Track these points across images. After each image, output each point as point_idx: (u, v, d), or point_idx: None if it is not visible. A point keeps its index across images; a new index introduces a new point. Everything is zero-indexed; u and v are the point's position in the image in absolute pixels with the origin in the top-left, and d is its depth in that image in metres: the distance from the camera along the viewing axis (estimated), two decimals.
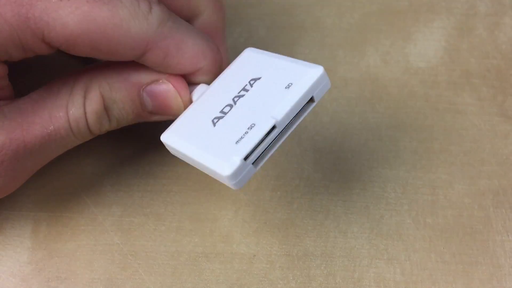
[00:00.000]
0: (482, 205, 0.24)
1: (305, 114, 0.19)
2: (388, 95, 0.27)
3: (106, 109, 0.21)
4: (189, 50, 0.20)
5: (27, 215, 0.25)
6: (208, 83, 0.21)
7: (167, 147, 0.20)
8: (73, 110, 0.20)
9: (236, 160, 0.17)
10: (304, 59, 0.19)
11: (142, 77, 0.21)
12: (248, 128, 0.18)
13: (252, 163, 0.18)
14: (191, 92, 0.21)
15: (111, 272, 0.23)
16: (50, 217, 0.24)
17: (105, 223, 0.24)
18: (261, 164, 0.18)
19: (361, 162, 0.25)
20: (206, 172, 0.18)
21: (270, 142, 0.18)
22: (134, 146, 0.26)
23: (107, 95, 0.21)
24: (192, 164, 0.19)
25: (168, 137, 0.20)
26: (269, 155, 0.18)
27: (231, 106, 0.19)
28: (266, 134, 0.17)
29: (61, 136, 0.21)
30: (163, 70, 0.21)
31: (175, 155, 0.20)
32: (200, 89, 0.21)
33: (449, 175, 0.25)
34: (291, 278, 0.23)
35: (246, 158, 0.17)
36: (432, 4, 0.31)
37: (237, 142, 0.17)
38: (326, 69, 0.19)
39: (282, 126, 0.18)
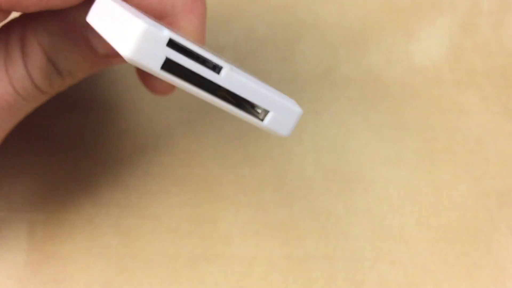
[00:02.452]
0: (486, 206, 0.24)
1: (240, 113, 0.15)
2: (390, 94, 0.27)
3: (51, 62, 0.18)
4: None
5: (23, 217, 0.24)
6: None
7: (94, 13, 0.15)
8: (12, 69, 0.17)
9: (148, 26, 0.13)
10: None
11: (82, 16, 0.17)
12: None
13: (166, 60, 0.13)
14: None
15: (108, 274, 0.23)
16: (46, 218, 0.24)
17: (102, 225, 0.24)
18: (169, 77, 0.14)
19: (363, 163, 0.25)
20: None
21: (197, 79, 0.14)
22: (132, 147, 0.26)
23: (48, 45, 0.18)
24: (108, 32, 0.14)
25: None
26: (184, 85, 0.14)
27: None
28: (205, 61, 0.14)
29: (8, 103, 0.18)
30: None
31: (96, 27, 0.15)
32: None
33: (453, 176, 0.25)
34: (291, 281, 0.22)
35: (170, 43, 0.13)
36: (436, 2, 0.30)
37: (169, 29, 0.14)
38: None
39: (225, 82, 0.14)
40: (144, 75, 0.21)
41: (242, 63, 0.28)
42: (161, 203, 0.25)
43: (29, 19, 0.18)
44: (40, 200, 0.25)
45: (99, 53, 0.18)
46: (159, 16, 0.17)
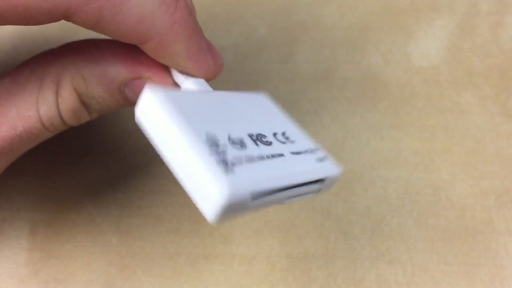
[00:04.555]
0: (485, 206, 0.24)
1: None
2: (389, 95, 0.27)
3: (83, 104, 0.19)
4: (132, 13, 0.16)
5: (25, 216, 0.24)
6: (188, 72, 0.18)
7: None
8: (44, 109, 0.18)
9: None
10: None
11: (122, 74, 0.18)
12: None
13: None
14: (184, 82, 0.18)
15: (110, 273, 0.23)
16: (48, 218, 0.24)
17: (103, 224, 0.24)
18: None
19: (362, 162, 0.25)
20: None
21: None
22: (133, 147, 0.26)
23: (83, 90, 0.18)
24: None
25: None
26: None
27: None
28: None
29: (33, 135, 0.19)
30: (105, 34, 0.17)
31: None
32: (198, 82, 0.18)
33: (451, 176, 0.25)
34: (291, 279, 0.23)
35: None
36: (434, 3, 0.30)
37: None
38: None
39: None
40: None
41: (242, 63, 0.28)
42: (162, 202, 0.25)
43: (67, 58, 0.19)
44: (41, 200, 0.25)
45: (130, 101, 0.19)
46: (142, 40, 0.17)
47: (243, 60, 0.28)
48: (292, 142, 0.16)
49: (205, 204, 0.12)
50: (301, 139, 0.16)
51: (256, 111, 0.17)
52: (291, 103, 0.27)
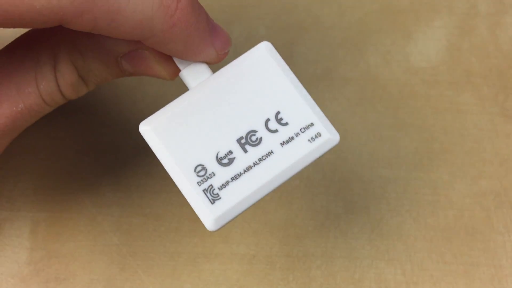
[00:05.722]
0: (483, 206, 0.24)
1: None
2: (388, 95, 0.27)
3: (81, 77, 0.19)
4: (128, 20, 0.16)
5: (26, 216, 0.24)
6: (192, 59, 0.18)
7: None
8: (43, 84, 0.18)
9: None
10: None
11: (118, 46, 0.18)
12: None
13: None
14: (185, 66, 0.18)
15: (110, 272, 0.23)
16: (49, 217, 0.24)
17: (104, 224, 0.24)
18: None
19: (362, 162, 0.25)
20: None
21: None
22: (133, 147, 0.26)
23: (80, 64, 0.18)
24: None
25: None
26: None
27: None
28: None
29: (34, 111, 0.19)
30: (100, 33, 0.17)
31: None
32: (198, 68, 0.18)
33: (450, 175, 0.25)
34: (291, 279, 0.23)
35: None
36: (433, 3, 0.30)
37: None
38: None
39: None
40: (163, 57, 0.20)
41: None
42: (162, 202, 0.25)
43: (62, 34, 0.19)
44: (42, 200, 0.25)
45: (127, 72, 0.19)
46: (139, 40, 0.17)
47: None
48: (286, 124, 0.17)
49: (201, 218, 0.16)
50: (297, 114, 0.17)
51: (251, 87, 0.17)
52: None
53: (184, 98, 0.17)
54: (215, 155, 0.16)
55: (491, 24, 0.30)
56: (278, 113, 0.17)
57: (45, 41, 0.19)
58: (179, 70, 0.18)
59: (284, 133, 0.17)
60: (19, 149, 0.25)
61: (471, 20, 0.30)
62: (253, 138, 0.16)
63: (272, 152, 0.16)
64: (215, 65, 0.19)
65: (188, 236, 0.24)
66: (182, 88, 0.18)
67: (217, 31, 0.19)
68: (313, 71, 0.28)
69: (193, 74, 0.18)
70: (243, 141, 0.16)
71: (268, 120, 0.17)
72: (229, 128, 0.17)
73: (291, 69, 0.18)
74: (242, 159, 0.16)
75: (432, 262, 0.23)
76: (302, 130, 0.17)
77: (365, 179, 0.25)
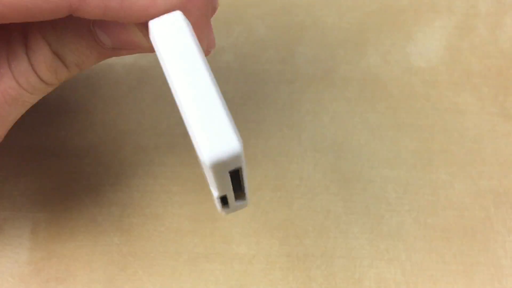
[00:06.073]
0: (483, 205, 0.24)
1: None
2: (388, 95, 0.27)
3: (57, 55, 0.18)
4: None
5: (27, 216, 0.24)
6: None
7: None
8: (15, 64, 0.17)
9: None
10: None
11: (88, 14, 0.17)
12: None
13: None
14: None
15: (111, 272, 0.23)
16: (49, 217, 0.24)
17: (105, 224, 0.24)
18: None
19: (362, 162, 0.25)
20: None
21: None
22: (133, 147, 0.26)
23: (53, 38, 0.17)
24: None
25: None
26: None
27: None
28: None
29: (12, 97, 0.17)
30: (116, 21, 0.16)
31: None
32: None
33: (450, 175, 0.25)
34: (291, 278, 0.23)
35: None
36: (433, 4, 0.31)
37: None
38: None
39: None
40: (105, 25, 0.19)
41: (242, 63, 0.28)
42: (162, 202, 0.25)
43: None
44: (43, 200, 0.25)
45: (105, 45, 0.18)
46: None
47: (243, 60, 0.29)
48: None
49: (209, 147, 0.13)
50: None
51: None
52: (291, 103, 0.27)
53: None
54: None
55: (491, 24, 0.30)
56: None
57: None
58: None
59: None
60: (20, 149, 0.25)
61: (471, 20, 0.30)
62: None
63: None
64: None
65: (188, 236, 0.24)
66: None
67: (211, 30, 0.19)
68: (313, 71, 0.28)
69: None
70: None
71: None
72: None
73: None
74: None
75: (432, 262, 0.23)
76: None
77: (365, 179, 0.25)
